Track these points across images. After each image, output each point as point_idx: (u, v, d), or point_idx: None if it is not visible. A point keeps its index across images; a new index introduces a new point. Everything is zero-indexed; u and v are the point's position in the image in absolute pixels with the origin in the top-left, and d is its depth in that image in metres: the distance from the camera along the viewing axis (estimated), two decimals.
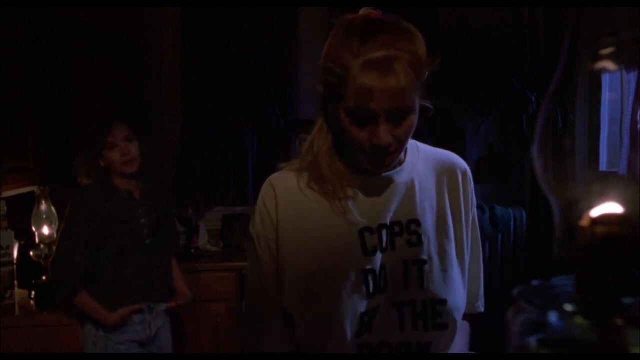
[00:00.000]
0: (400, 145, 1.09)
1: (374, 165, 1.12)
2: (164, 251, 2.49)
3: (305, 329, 1.15)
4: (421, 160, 1.21)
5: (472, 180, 1.25)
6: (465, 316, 1.27)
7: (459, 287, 1.19)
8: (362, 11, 1.09)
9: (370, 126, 1.04)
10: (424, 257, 1.15)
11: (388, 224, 1.15)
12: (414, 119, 1.06)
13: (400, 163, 1.18)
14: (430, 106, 1.12)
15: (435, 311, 1.15)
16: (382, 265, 1.14)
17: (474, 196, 1.26)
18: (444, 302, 1.15)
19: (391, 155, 1.09)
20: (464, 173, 1.23)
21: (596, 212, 0.42)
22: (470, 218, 1.24)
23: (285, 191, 1.17)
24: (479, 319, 1.31)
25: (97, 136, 2.37)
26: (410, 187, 1.17)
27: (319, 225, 1.15)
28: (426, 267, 1.15)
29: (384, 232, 1.15)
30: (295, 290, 1.15)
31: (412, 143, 1.23)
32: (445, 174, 1.22)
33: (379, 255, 1.14)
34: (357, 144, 1.07)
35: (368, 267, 1.13)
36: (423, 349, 1.16)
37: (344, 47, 1.03)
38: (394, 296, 1.15)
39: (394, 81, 0.99)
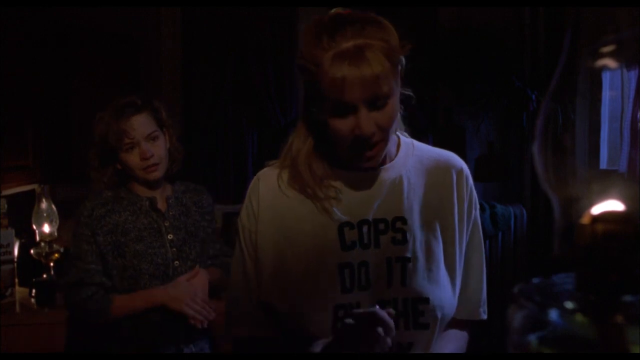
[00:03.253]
0: (384, 135, 1.08)
1: (358, 159, 1.10)
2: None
3: (282, 318, 1.18)
4: (414, 158, 1.21)
5: (470, 180, 1.22)
6: (466, 323, 1.26)
7: (446, 287, 1.17)
8: (332, 12, 1.10)
9: (351, 117, 1.04)
10: (408, 255, 1.14)
11: (370, 220, 1.15)
12: (394, 105, 1.06)
13: (390, 159, 1.18)
14: (412, 94, 1.13)
15: (416, 310, 1.14)
16: (363, 262, 1.14)
17: (473, 197, 1.23)
18: (426, 300, 1.14)
19: (376, 146, 1.08)
20: (459, 173, 1.21)
21: (597, 210, 0.42)
22: (467, 220, 1.21)
23: (269, 186, 1.20)
24: (480, 325, 1.28)
25: (110, 135, 1.84)
26: (397, 184, 1.17)
27: (299, 218, 1.17)
28: (410, 265, 1.14)
29: (364, 228, 1.15)
30: (272, 281, 1.17)
31: (407, 141, 1.23)
32: (439, 173, 1.20)
33: (359, 251, 1.14)
34: (341, 138, 1.07)
35: (345, 261, 1.14)
36: (405, 349, 1.15)
37: (314, 44, 1.03)
38: (376, 294, 1.14)
39: (367, 69, 0.99)
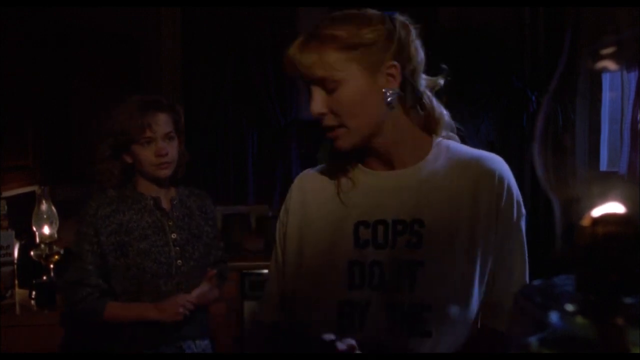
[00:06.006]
0: (343, 121, 1.13)
1: (329, 139, 1.17)
2: (200, 277, 1.96)
3: (294, 306, 1.24)
4: (445, 161, 1.18)
5: (505, 186, 1.15)
6: (494, 332, 1.17)
7: (458, 296, 1.12)
8: None
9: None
10: (421, 259, 1.12)
11: (389, 221, 1.15)
12: (347, 93, 1.11)
13: (416, 161, 1.18)
14: (400, 92, 1.15)
15: (420, 317, 1.11)
16: (376, 262, 1.14)
17: (511, 206, 1.16)
18: (431, 309, 1.10)
19: (335, 130, 1.14)
20: (491, 178, 1.14)
21: (597, 212, 0.42)
22: (498, 228, 1.14)
23: (303, 183, 1.30)
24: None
25: (127, 127, 1.86)
26: (421, 187, 1.16)
27: (321, 215, 1.23)
28: (421, 270, 1.12)
29: (380, 228, 1.16)
30: (292, 272, 1.24)
31: (442, 142, 1.20)
32: (468, 177, 1.15)
33: (372, 251, 1.15)
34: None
35: (355, 259, 1.16)
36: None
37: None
38: (386, 296, 1.13)
39: (305, 54, 1.11)
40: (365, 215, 1.17)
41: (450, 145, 1.21)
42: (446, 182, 1.16)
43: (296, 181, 1.32)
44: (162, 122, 1.89)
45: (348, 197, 1.20)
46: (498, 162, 1.18)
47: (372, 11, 1.15)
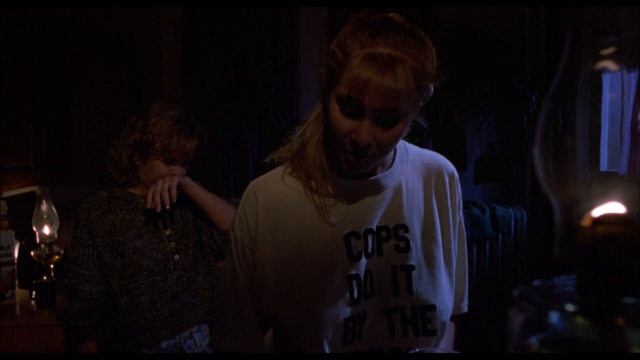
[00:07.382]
0: (381, 152, 1.06)
1: (349, 164, 1.07)
2: (198, 269, 1.98)
3: (287, 331, 1.15)
4: (410, 163, 1.21)
5: (459, 183, 1.26)
6: (452, 317, 1.26)
7: (448, 291, 1.19)
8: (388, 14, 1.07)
9: (356, 120, 1.01)
10: (412, 262, 1.14)
11: (374, 229, 1.14)
12: (402, 128, 1.04)
13: (388, 167, 1.17)
14: (425, 125, 1.13)
15: (424, 317, 1.14)
16: (367, 271, 1.13)
17: (460, 199, 1.26)
18: (432, 307, 1.14)
19: (369, 158, 1.05)
20: (451, 176, 1.23)
21: (597, 212, 0.42)
22: (457, 221, 1.24)
23: (268, 197, 1.16)
24: (466, 318, 1.33)
25: (166, 143, 1.89)
26: (397, 192, 1.16)
27: (303, 229, 1.13)
28: (414, 272, 1.14)
29: (369, 237, 1.14)
30: (277, 293, 1.13)
31: (401, 145, 1.22)
32: (433, 177, 1.21)
33: (363, 261, 1.13)
34: (339, 135, 1.04)
35: (352, 272, 1.12)
36: None
37: (353, 36, 1.01)
38: (382, 302, 1.14)
39: (392, 82, 0.96)
40: (352, 225, 1.13)
41: (407, 147, 1.23)
42: (416, 183, 1.19)
43: (258, 199, 1.16)
44: (192, 150, 1.96)
45: (331, 211, 1.13)
46: (450, 163, 1.26)
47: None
